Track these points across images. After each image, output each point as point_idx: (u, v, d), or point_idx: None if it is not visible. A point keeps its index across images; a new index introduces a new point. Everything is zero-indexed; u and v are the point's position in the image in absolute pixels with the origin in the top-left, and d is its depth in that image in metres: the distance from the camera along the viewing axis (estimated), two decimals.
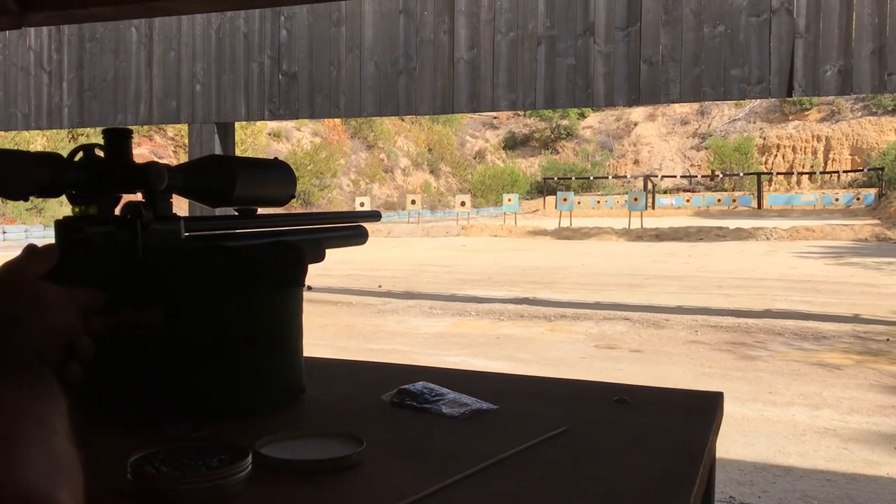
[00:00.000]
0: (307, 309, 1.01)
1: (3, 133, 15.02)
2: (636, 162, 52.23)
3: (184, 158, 30.04)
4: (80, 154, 0.85)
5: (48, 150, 15.80)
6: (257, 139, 35.22)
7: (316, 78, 9.58)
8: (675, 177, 44.54)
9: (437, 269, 14.07)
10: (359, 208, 29.43)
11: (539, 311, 8.71)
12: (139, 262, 0.84)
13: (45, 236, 20.40)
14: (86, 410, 0.81)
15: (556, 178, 42.48)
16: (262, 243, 0.96)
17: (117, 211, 0.90)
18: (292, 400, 0.95)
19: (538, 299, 9.70)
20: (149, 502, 0.63)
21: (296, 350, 0.96)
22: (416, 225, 26.77)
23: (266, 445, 0.74)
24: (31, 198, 0.80)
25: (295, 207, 35.25)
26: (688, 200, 37.84)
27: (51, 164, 0.78)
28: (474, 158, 53.80)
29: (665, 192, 42.35)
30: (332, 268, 14.12)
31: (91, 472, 0.56)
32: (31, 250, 0.77)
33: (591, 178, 45.26)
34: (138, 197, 0.94)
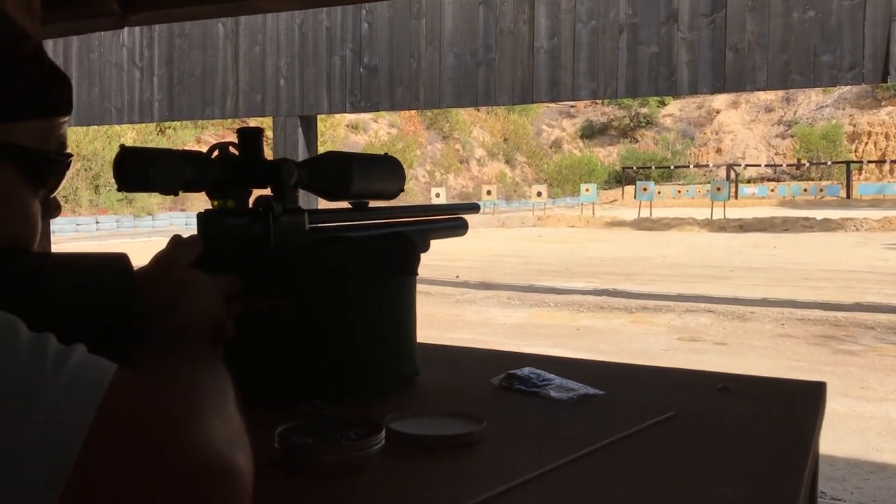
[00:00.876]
0: None
1: (96, 127, 15.69)
2: (718, 150, 51.01)
3: (267, 151, 30.69)
4: (216, 152, 0.93)
5: (138, 142, 16.42)
6: (336, 131, 35.77)
7: (396, 70, 9.69)
8: (758, 166, 43.34)
9: (514, 259, 14.08)
10: (434, 199, 29.63)
11: (619, 303, 8.65)
12: (271, 252, 0.91)
13: (134, 226, 21.21)
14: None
15: (635, 168, 41.86)
16: (379, 235, 1.02)
17: (249, 204, 0.97)
18: (408, 381, 1.01)
19: (618, 290, 9.62)
20: (295, 469, 0.69)
21: (410, 334, 1.01)
22: (492, 216, 26.78)
23: (394, 422, 0.80)
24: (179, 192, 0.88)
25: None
26: (772, 190, 36.78)
27: (195, 162, 0.85)
28: (550, 148, 53.45)
29: (748, 182, 41.27)
30: None
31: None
32: (177, 241, 0.85)
33: (672, 167, 44.41)
34: (264, 191, 1.01)
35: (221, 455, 0.53)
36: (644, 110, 55.26)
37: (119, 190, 0.82)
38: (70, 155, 0.72)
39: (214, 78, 10.99)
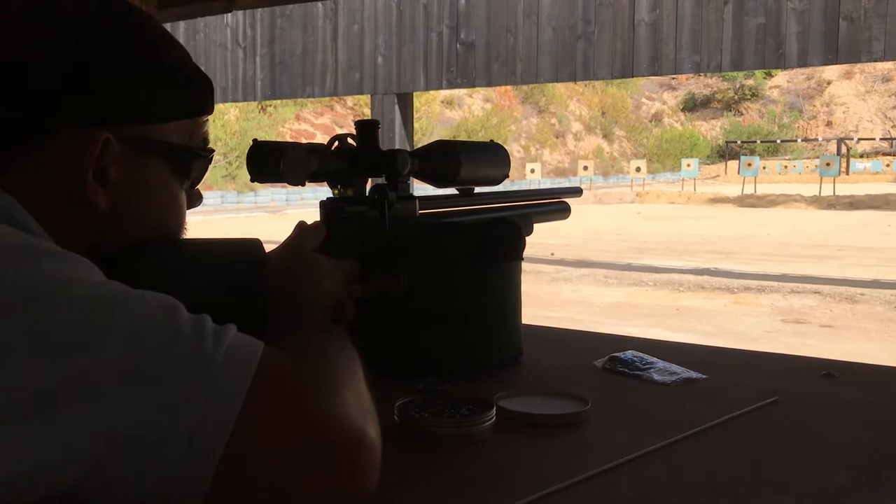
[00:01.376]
0: None
1: None
2: (829, 124, 48.73)
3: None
4: (336, 143, 0.99)
5: (241, 119, 16.79)
6: (431, 107, 35.95)
7: (493, 45, 9.68)
8: (873, 139, 41.21)
9: (611, 237, 13.91)
10: (528, 175, 29.39)
11: (721, 283, 8.45)
12: (386, 237, 0.96)
13: (238, 202, 21.95)
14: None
15: (739, 142, 40.50)
16: (487, 220, 1.06)
17: (366, 192, 1.03)
18: (514, 360, 1.05)
19: (720, 270, 9.39)
20: (412, 440, 0.75)
21: (516, 316, 1.05)
22: (589, 191, 26.47)
23: (503, 399, 0.85)
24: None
25: None
26: (888, 165, 34.90)
27: (320, 155, 0.91)
28: (650, 122, 52.24)
29: (861, 157, 39.31)
30: None
31: None
32: (303, 228, 0.92)
33: (778, 141, 42.75)
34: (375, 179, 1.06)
35: (355, 426, 0.58)
36: (749, 82, 53.25)
37: (252, 180, 0.89)
38: (212, 150, 0.79)
39: (314, 57, 11.24)
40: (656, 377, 0.98)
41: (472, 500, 0.67)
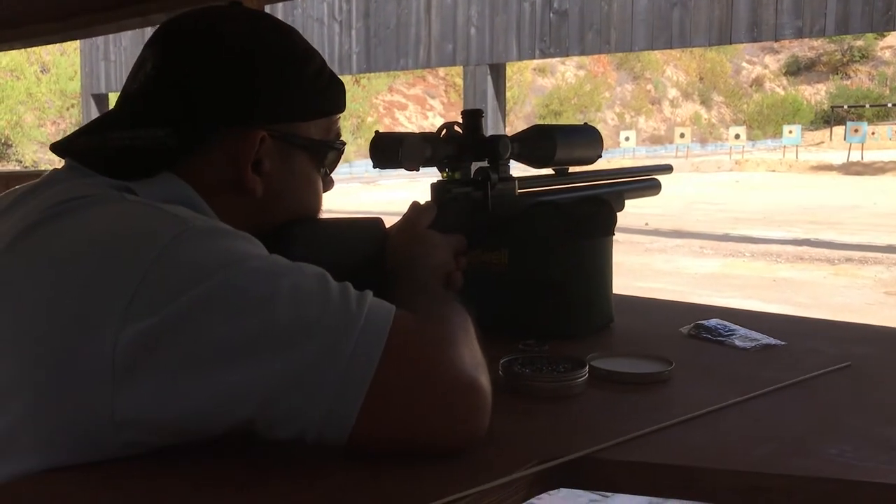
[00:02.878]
0: None
1: None
2: None
3: (454, 98, 31.36)
4: (444, 131, 1.10)
5: None
6: (523, 75, 35.65)
7: (587, 14, 9.59)
8: None
9: (708, 206, 13.64)
10: (623, 143, 28.79)
11: (821, 254, 8.23)
12: (489, 215, 1.08)
13: (349, 173, 22.42)
14: None
15: (845, 107, 38.69)
16: (580, 198, 1.16)
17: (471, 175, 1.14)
18: (605, 327, 1.16)
19: (821, 241, 9.13)
20: (515, 392, 0.87)
21: (607, 286, 1.16)
22: (685, 159, 25.86)
23: (595, 360, 0.95)
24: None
25: None
26: None
27: (432, 143, 1.03)
28: (751, 87, 50.38)
29: None
30: None
31: None
32: (416, 207, 1.04)
33: (889, 105, 40.61)
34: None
35: (471, 376, 0.71)
36: (859, 43, 50.57)
37: (375, 167, 1.02)
38: (344, 143, 0.92)
39: (408, 29, 11.38)
40: (737, 343, 1.07)
41: (567, 444, 0.78)
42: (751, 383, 0.92)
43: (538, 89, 37.89)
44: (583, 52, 10.08)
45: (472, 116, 1.11)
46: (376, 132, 1.02)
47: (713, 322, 1.14)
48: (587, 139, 1.26)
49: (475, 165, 1.15)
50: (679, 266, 7.93)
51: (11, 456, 0.65)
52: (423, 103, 32.64)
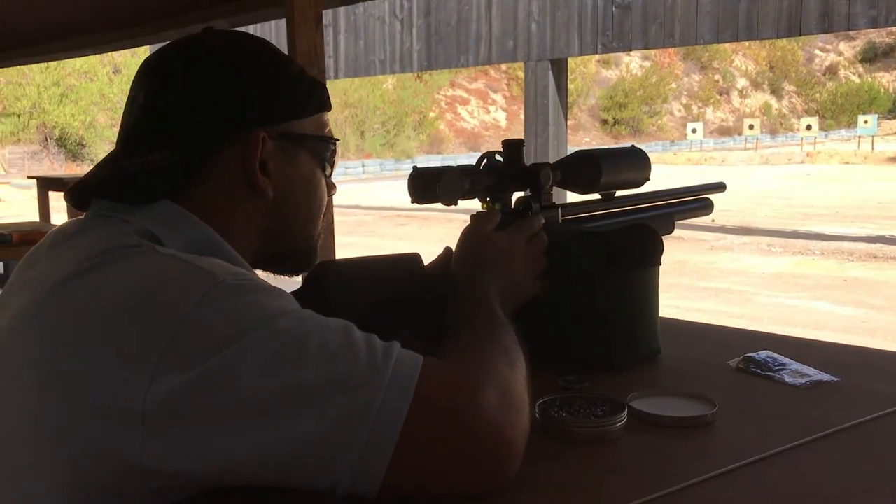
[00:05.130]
0: None
1: (360, 78, 16.81)
2: None
3: (516, 92, 31.16)
4: (485, 160, 1.09)
5: (398, 88, 17.04)
6: (587, 67, 35.23)
7: (650, 7, 9.42)
8: None
9: (777, 201, 13.28)
10: (690, 135, 28.23)
11: None
12: None
13: (396, 168, 22.59)
14: None
15: None
16: (626, 226, 1.13)
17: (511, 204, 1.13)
18: (651, 360, 1.13)
19: None
20: (551, 436, 0.86)
21: (653, 318, 1.12)
22: (754, 151, 25.21)
23: (635, 400, 0.93)
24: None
25: (624, 137, 34.96)
26: None
27: (471, 176, 1.02)
28: (824, 75, 48.76)
29: None
30: None
31: None
32: (477, 216, 1.05)
33: None
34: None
35: (497, 426, 0.70)
36: None
37: (413, 202, 1.02)
38: (337, 139, 0.93)
39: (468, 26, 11.36)
40: (787, 379, 1.03)
41: (600, 495, 0.76)
42: (799, 427, 0.89)
43: (602, 81, 37.43)
44: (646, 46, 9.90)
45: (513, 147, 1.10)
46: (414, 167, 1.01)
47: (763, 355, 1.10)
48: (634, 162, 1.24)
49: (517, 194, 1.14)
50: (746, 265, 7.75)
51: (46, 497, 0.67)
52: (485, 98, 32.58)
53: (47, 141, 17.67)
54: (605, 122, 35.92)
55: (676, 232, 1.33)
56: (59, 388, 0.67)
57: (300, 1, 3.76)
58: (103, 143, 18.45)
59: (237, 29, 0.96)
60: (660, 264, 1.13)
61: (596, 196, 1.23)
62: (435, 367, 0.72)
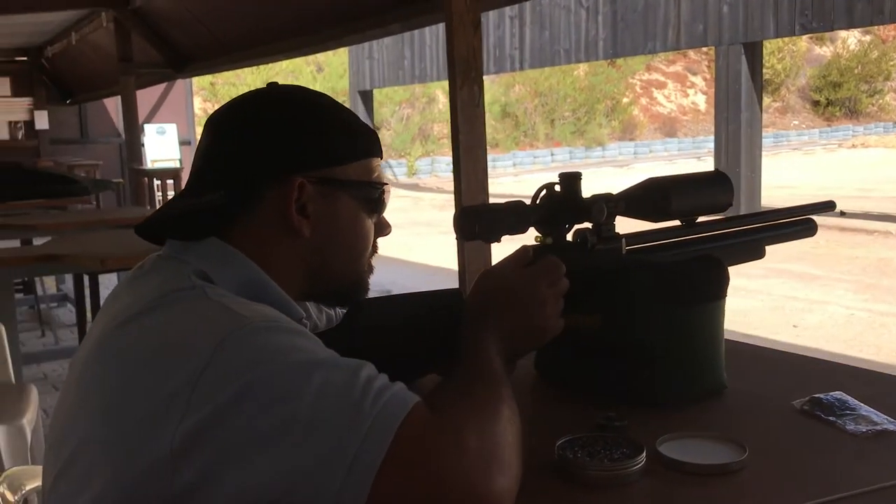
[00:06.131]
0: (836, 238, 1.13)
1: (548, 68, 16.72)
2: None
3: (708, 76, 29.65)
4: (544, 191, 1.11)
5: (589, 75, 16.71)
6: (796, 45, 32.87)
7: None
8: None
9: None
10: None
11: None
12: (585, 277, 1.07)
13: (585, 156, 22.32)
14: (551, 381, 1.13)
15: None
16: (684, 260, 1.11)
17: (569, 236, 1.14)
18: (713, 395, 1.11)
19: None
20: (565, 478, 0.88)
21: (712, 354, 1.10)
22: None
23: (664, 443, 0.92)
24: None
25: (838, 118, 32.33)
26: None
27: (516, 214, 1.05)
28: None
29: None
30: (875, 188, 12.82)
31: (538, 439, 0.83)
32: (514, 254, 1.06)
33: None
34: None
35: (478, 483, 0.74)
36: None
37: (457, 238, 1.06)
38: (384, 184, 0.99)
39: (656, 11, 11.00)
40: (849, 426, 0.97)
41: None
42: (837, 480, 0.85)
43: (814, 59, 34.76)
44: (850, 25, 9.13)
45: (569, 179, 1.11)
46: (462, 207, 1.05)
47: (832, 396, 1.04)
48: (712, 188, 1.20)
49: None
50: None
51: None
52: (683, 81, 31.32)
53: None
54: (816, 103, 33.37)
55: (886, 225, 1.24)
56: (109, 423, 0.79)
57: (458, 6, 3.87)
58: None
59: (298, 84, 1.05)
60: (723, 297, 1.10)
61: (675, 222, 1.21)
62: (419, 419, 0.76)
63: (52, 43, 10.29)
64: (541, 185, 1.12)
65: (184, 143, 12.88)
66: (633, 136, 24.89)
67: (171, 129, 12.85)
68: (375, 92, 17.97)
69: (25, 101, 11.85)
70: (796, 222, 1.33)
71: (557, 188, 1.11)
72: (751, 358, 1.25)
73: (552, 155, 22.14)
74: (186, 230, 0.92)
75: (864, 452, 0.92)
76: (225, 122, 0.96)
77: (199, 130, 18.25)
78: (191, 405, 0.74)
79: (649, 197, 1.15)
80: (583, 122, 23.80)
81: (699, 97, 31.20)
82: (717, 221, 1.25)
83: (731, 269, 1.13)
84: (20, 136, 11.86)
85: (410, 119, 20.84)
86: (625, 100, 25.43)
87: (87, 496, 0.79)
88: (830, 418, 1.00)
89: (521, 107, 23.28)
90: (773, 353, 1.33)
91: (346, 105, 1.05)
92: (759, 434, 0.98)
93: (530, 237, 1.11)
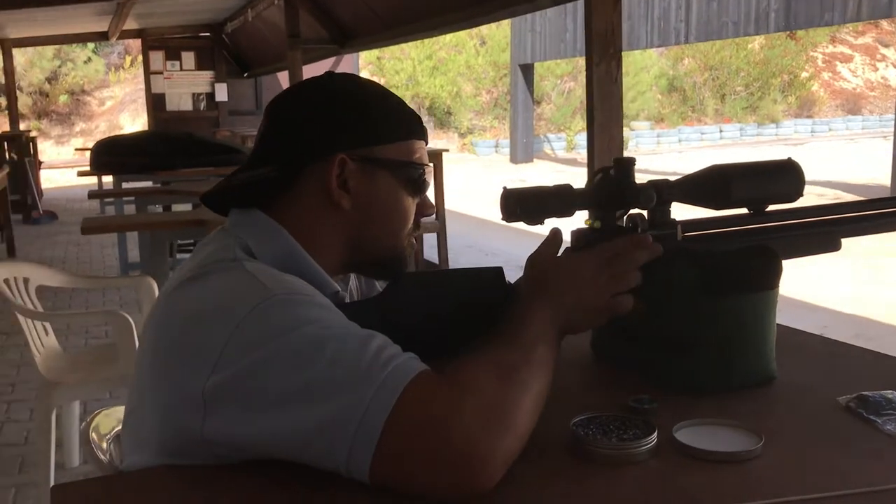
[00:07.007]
0: None
1: (712, 42, 15.91)
2: None
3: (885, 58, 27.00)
4: (600, 175, 1.14)
5: (765, 48, 15.70)
6: None
7: None
8: None
9: None
10: None
11: None
12: None
13: (758, 134, 21.19)
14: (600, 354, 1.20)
15: None
16: (734, 250, 1.10)
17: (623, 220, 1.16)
18: (761, 385, 1.10)
19: None
20: (575, 455, 0.91)
21: (763, 344, 1.09)
22: None
23: (682, 429, 0.94)
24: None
25: None
26: None
27: (559, 197, 1.08)
28: None
29: None
30: None
31: (554, 416, 0.89)
32: (549, 237, 1.10)
33: None
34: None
35: (467, 441, 0.80)
36: None
37: (503, 219, 1.11)
38: (423, 165, 1.06)
39: None
40: (887, 427, 0.94)
41: None
42: (849, 477, 0.84)
43: None
44: None
45: (623, 165, 1.12)
46: (505, 189, 1.09)
47: (880, 395, 1.01)
48: (779, 177, 1.18)
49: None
50: None
51: (143, 452, 0.92)
52: (872, 53, 28.97)
53: (420, 110, 19.57)
54: None
55: None
56: (159, 373, 0.92)
57: None
58: (467, 113, 19.91)
59: (352, 73, 1.14)
60: (772, 288, 1.09)
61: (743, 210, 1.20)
62: (425, 381, 0.84)
63: (232, 19, 10.99)
64: (597, 169, 1.14)
65: None
66: (810, 112, 23.36)
67: None
68: (537, 65, 17.87)
69: (208, 75, 12.76)
70: (883, 214, 1.28)
71: (612, 173, 1.13)
72: (816, 350, 1.22)
73: (721, 131, 21.20)
74: (242, 202, 1.03)
75: (889, 453, 0.90)
76: (279, 106, 1.06)
77: None
78: (218, 364, 0.85)
79: (709, 184, 1.15)
80: (756, 97, 22.57)
81: (890, 71, 28.77)
82: (787, 211, 1.22)
83: None
84: (202, 107, 12.79)
85: (572, 93, 20.56)
86: (804, 74, 23.87)
87: (145, 429, 0.92)
88: (871, 417, 0.98)
89: (689, 80, 22.39)
90: (841, 347, 1.29)
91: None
92: (787, 427, 0.97)
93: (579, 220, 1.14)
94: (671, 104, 21.94)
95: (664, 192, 1.12)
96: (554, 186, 1.09)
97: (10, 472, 3.03)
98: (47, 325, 2.83)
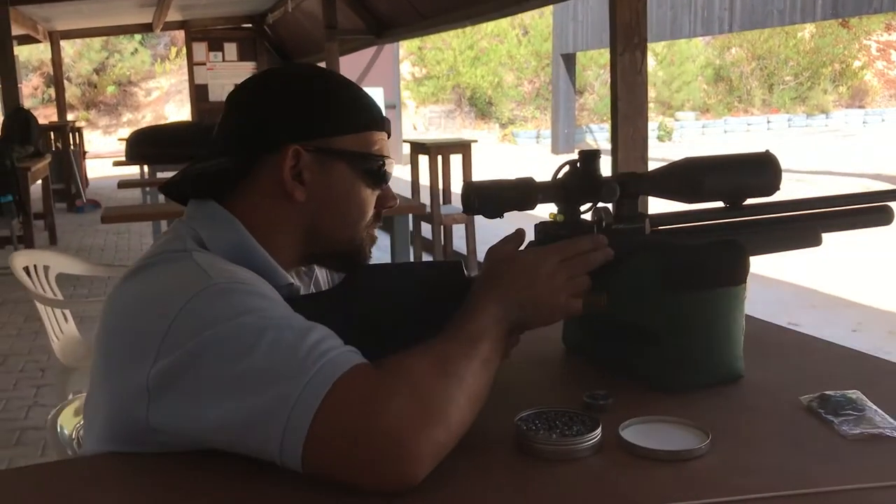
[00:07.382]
0: None
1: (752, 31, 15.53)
2: None
3: None
4: (566, 168, 1.12)
5: (816, 37, 15.37)
6: None
7: None
8: None
9: None
10: None
11: None
12: None
13: (806, 124, 20.71)
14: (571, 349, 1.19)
15: None
16: (701, 244, 1.08)
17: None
18: (725, 383, 1.08)
19: None
20: (520, 450, 0.91)
21: (727, 341, 1.06)
22: None
23: (630, 426, 0.92)
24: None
25: None
26: None
27: (519, 190, 1.07)
28: None
29: None
30: None
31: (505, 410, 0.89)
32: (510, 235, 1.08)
33: None
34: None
35: (396, 434, 0.80)
36: None
37: (465, 212, 1.10)
38: (383, 157, 1.05)
39: None
40: (843, 428, 0.91)
41: None
42: (798, 477, 0.82)
43: None
44: None
45: (588, 158, 1.10)
46: (466, 182, 1.09)
47: (844, 395, 0.98)
48: (753, 170, 1.16)
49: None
50: None
51: (96, 438, 0.94)
52: None
53: (461, 100, 19.52)
54: None
55: None
56: (107, 362, 0.93)
57: None
58: (509, 103, 19.81)
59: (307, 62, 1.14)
60: (739, 284, 1.07)
61: (719, 204, 1.18)
62: (359, 373, 0.84)
63: (273, 10, 11.09)
64: (562, 163, 1.13)
65: (389, 106, 13.46)
66: (862, 103, 22.75)
67: (378, 93, 13.44)
68: (580, 55, 17.69)
69: (249, 65, 12.88)
70: (866, 210, 1.24)
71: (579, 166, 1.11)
72: (787, 346, 1.19)
73: (768, 122, 20.77)
74: (199, 192, 1.04)
75: (838, 454, 0.88)
76: (237, 95, 1.06)
77: (404, 94, 19.07)
78: (160, 352, 0.86)
79: (681, 177, 1.13)
80: (805, 87, 22.05)
81: None
82: (765, 205, 1.20)
83: None
84: None
85: None
86: (856, 63, 23.23)
87: (99, 417, 0.94)
88: (829, 417, 0.95)
89: (736, 70, 21.95)
90: (817, 343, 1.26)
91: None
92: (742, 426, 0.96)
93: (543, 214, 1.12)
94: (717, 94, 21.54)
95: (630, 185, 1.11)
96: (515, 179, 1.08)
97: (33, 455, 3.12)
98: (66, 311, 2.89)
